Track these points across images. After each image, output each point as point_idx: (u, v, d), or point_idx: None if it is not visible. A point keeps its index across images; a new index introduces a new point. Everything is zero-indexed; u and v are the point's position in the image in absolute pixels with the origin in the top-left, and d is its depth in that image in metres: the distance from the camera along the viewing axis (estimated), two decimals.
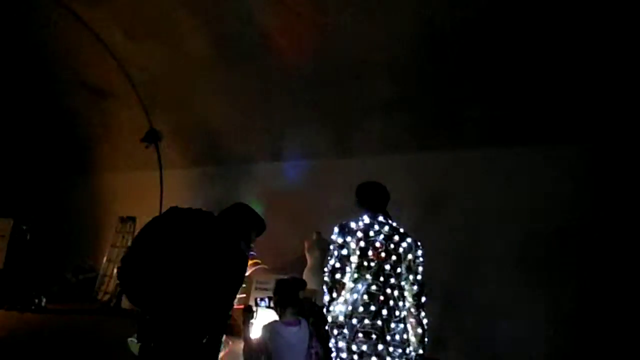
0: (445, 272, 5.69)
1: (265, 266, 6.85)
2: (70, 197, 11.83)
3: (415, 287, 2.62)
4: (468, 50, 5.19)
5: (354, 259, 2.57)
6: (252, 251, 6.15)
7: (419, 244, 2.71)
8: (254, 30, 6.20)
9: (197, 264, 1.97)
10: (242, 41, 6.48)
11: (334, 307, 2.54)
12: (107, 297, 9.43)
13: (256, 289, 5.88)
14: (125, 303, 8.69)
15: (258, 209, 7.83)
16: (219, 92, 7.58)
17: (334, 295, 2.55)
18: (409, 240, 2.67)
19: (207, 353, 2.01)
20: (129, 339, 4.61)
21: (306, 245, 6.56)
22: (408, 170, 6.37)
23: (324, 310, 2.63)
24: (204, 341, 1.96)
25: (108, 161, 10.92)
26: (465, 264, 5.81)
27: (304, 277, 5.93)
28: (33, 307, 7.96)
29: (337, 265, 2.56)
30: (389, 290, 2.51)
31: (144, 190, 9.82)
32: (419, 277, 2.64)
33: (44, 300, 8.16)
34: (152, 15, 6.73)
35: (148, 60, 7.71)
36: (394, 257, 2.58)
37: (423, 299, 2.63)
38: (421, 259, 2.69)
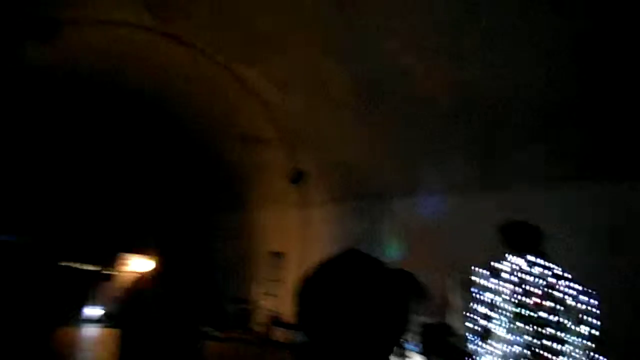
0: (625, 323, 4.74)
1: None
2: (224, 233, 13.24)
3: (585, 342, 2.21)
4: (620, 78, 4.54)
5: (506, 305, 2.30)
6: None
7: (589, 290, 2.31)
8: (392, 68, 6.35)
9: (370, 304, 2.04)
10: (380, 78, 6.68)
11: (484, 357, 2.29)
12: (260, 327, 10.10)
13: None
14: (278, 335, 9.18)
15: (398, 245, 7.67)
16: (358, 130, 7.84)
17: (483, 344, 2.31)
18: (574, 285, 2.29)
19: None
20: None
21: (448, 285, 6.17)
22: (566, 204, 5.62)
23: (471, 359, 2.39)
24: None
25: (257, 201, 11.99)
26: None
27: (447, 320, 5.54)
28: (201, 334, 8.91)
29: (486, 311, 2.33)
30: (548, 343, 2.17)
31: (290, 227, 10.46)
32: (591, 330, 2.23)
33: (210, 328, 9.08)
34: (298, 65, 7.38)
35: (294, 105, 8.41)
36: (555, 305, 2.24)
37: (599, 358, 2.20)
38: (593, 309, 2.28)
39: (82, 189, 13.85)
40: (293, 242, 10.18)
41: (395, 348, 2.43)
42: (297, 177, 9.61)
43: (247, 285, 11.30)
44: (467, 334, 2.46)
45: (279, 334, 9.15)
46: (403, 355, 2.83)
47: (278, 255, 10.82)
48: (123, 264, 9.80)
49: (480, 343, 2.33)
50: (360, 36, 6.39)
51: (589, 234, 5.34)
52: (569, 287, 2.28)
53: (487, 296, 2.36)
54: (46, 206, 13.62)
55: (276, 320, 9.61)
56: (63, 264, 12.14)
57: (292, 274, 9.97)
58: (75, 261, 12.03)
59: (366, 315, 2.01)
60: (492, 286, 2.38)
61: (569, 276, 2.36)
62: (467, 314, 2.56)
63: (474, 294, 2.49)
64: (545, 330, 2.20)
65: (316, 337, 2.07)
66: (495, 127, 6.15)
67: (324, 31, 6.68)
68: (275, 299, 10.35)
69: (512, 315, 2.29)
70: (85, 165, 13.35)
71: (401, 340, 2.43)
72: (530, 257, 2.43)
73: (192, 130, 11.29)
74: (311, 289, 2.16)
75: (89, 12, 6.94)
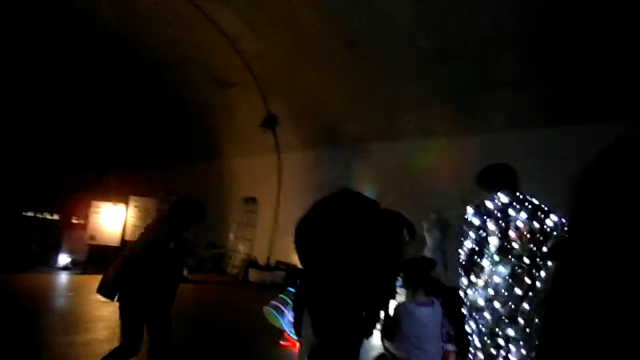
0: None
1: None
2: (198, 181, 13.11)
3: None
4: (603, 22, 4.59)
5: (494, 240, 2.46)
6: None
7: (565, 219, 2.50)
8: (371, 11, 6.17)
9: (367, 239, 2.12)
10: (358, 23, 6.50)
11: (473, 290, 2.48)
12: (235, 270, 10.33)
13: None
14: (252, 276, 9.44)
15: (373, 190, 7.78)
16: (334, 75, 7.72)
17: (473, 279, 2.48)
18: (554, 217, 2.46)
19: (364, 325, 2.13)
20: (266, 308, 5.00)
21: (425, 226, 6.44)
22: (532, 148, 5.85)
23: (461, 293, 2.57)
24: (363, 314, 2.07)
25: (230, 147, 11.82)
26: None
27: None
28: None
29: (475, 247, 2.48)
30: (535, 272, 2.37)
31: (263, 173, 10.46)
32: None
33: (186, 271, 9.19)
34: (271, 5, 7.05)
35: (267, 49, 8.12)
36: (539, 237, 2.42)
37: None
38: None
39: (47, 131, 13.22)
40: (266, 188, 10.23)
41: (391, 282, 2.58)
42: (270, 123, 9.49)
43: (223, 230, 11.40)
44: (456, 268, 2.63)
45: (254, 276, 9.42)
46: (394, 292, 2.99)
47: (252, 200, 10.89)
48: (93, 212, 9.58)
49: (470, 278, 2.50)
50: None
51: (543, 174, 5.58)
52: (549, 218, 2.45)
53: (476, 234, 2.51)
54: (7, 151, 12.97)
55: (251, 263, 9.85)
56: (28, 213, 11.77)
57: (266, 219, 10.11)
58: (42, 211, 11.70)
59: (362, 249, 2.11)
60: (480, 223, 2.52)
61: (547, 208, 2.50)
62: (454, 251, 2.72)
63: (462, 231, 2.63)
64: (530, 259, 2.39)
65: (315, 271, 2.18)
66: (477, 70, 6.13)
67: None
68: (250, 242, 10.54)
69: (498, 249, 2.45)
70: (55, 106, 12.69)
71: (396, 275, 2.57)
72: (516, 194, 2.57)
73: (166, 75, 10.78)
74: (309, 225, 2.25)
75: None
